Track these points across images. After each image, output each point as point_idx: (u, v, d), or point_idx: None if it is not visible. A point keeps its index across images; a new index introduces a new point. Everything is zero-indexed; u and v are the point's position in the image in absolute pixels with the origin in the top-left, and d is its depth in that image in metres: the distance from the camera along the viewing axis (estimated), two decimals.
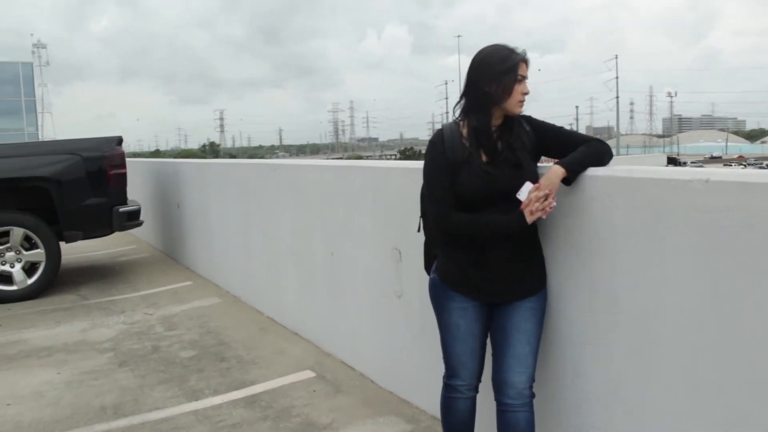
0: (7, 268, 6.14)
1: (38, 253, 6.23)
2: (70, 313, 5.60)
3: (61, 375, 4.09)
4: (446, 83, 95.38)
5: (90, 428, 3.31)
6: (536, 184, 2.16)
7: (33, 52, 73.43)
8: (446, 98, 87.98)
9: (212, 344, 4.59)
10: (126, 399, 3.65)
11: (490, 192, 2.19)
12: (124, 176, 6.63)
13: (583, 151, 2.21)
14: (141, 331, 4.98)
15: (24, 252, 6.20)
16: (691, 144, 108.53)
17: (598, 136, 2.48)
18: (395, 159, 64.51)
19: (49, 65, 77.00)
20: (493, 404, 2.27)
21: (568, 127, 2.47)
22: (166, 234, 8.32)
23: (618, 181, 2.11)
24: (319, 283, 4.31)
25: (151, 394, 3.71)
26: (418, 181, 2.44)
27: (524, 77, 2.21)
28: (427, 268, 2.49)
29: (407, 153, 79.95)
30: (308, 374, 3.89)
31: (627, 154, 72.79)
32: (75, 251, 8.16)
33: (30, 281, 6.19)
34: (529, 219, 2.15)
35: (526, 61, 2.22)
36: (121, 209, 6.55)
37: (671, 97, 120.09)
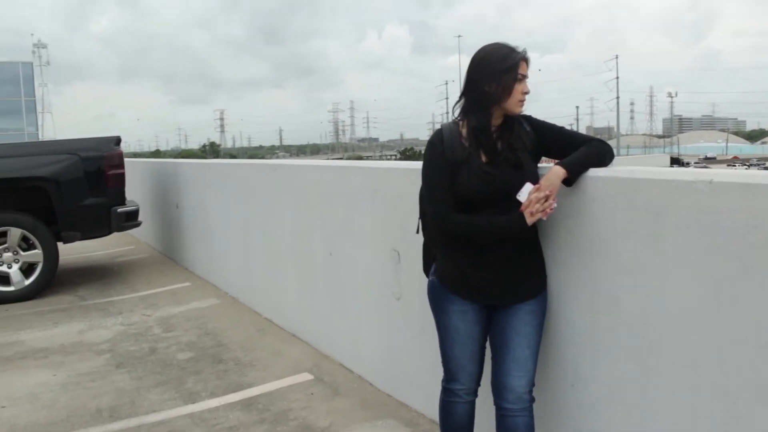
0: (4, 268, 6.11)
1: (36, 254, 6.20)
2: (67, 314, 5.57)
3: (58, 377, 4.05)
4: (446, 83, 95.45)
5: (85, 431, 3.28)
6: (537, 185, 2.13)
7: (33, 52, 73.60)
8: (446, 98, 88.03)
9: (210, 346, 4.56)
10: (122, 401, 3.62)
11: (490, 192, 2.17)
12: (122, 176, 6.60)
13: (584, 152, 2.19)
14: (139, 333, 4.95)
15: (21, 252, 6.17)
16: (691, 144, 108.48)
17: (598, 137, 2.45)
18: (395, 159, 64.56)
19: (50, 65, 77.18)
20: (493, 409, 2.24)
21: (568, 128, 2.44)
22: (165, 234, 8.29)
23: (620, 182, 2.09)
24: (319, 284, 4.28)
25: (147, 397, 3.68)
26: (418, 182, 2.41)
27: (525, 76, 2.18)
28: (426, 270, 2.46)
29: (407, 153, 79.94)
30: (306, 376, 3.86)
31: (627, 155, 72.85)
32: (73, 252, 8.14)
33: (27, 282, 6.16)
34: (529, 220, 2.12)
35: (526, 60, 2.19)
36: (119, 209, 6.53)
37: (671, 97, 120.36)
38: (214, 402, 3.56)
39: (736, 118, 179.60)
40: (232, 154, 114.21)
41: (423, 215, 2.47)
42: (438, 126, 2.36)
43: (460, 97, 2.27)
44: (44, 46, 76.33)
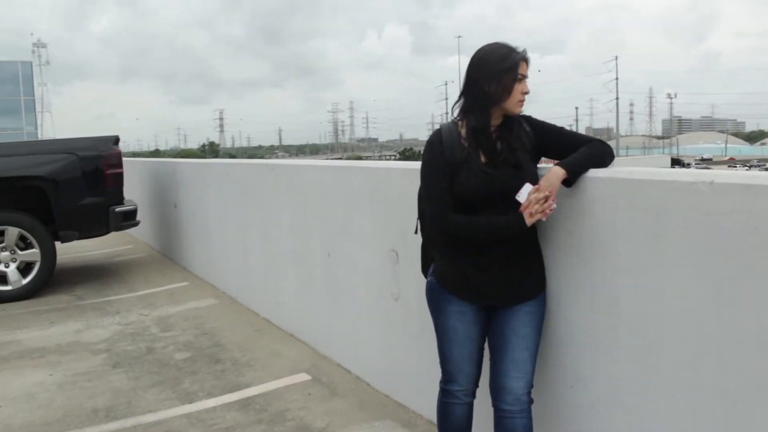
0: (1, 267, 6.09)
1: (33, 253, 6.18)
2: (64, 314, 5.55)
3: (54, 376, 4.04)
4: (446, 84, 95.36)
5: (81, 431, 3.26)
6: (536, 186, 2.11)
7: (33, 52, 73.49)
8: (446, 99, 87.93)
9: (207, 346, 4.54)
10: (119, 401, 3.61)
11: (489, 193, 2.15)
12: (120, 176, 6.59)
13: (584, 152, 2.17)
14: (136, 332, 4.93)
15: (19, 252, 6.15)
16: (690, 145, 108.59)
17: (598, 137, 2.44)
18: (394, 159, 64.53)
19: (49, 65, 77.12)
20: (491, 410, 2.23)
21: (568, 128, 2.43)
22: (164, 234, 8.27)
23: (620, 182, 2.07)
24: (317, 284, 4.26)
25: (144, 397, 3.66)
26: (417, 182, 2.40)
27: (524, 76, 2.17)
28: (424, 270, 2.45)
29: (407, 153, 79.94)
30: (304, 377, 3.84)
31: (627, 156, 72.88)
32: (71, 251, 8.11)
33: (25, 281, 6.14)
34: (529, 221, 2.10)
35: (526, 60, 2.17)
36: (117, 209, 6.51)
37: (671, 98, 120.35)
38: (211, 402, 3.55)
39: (735, 120, 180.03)
40: (232, 153, 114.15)
41: (422, 216, 2.45)
42: (437, 126, 2.35)
43: (460, 97, 2.25)
44: (44, 46, 76.36)
